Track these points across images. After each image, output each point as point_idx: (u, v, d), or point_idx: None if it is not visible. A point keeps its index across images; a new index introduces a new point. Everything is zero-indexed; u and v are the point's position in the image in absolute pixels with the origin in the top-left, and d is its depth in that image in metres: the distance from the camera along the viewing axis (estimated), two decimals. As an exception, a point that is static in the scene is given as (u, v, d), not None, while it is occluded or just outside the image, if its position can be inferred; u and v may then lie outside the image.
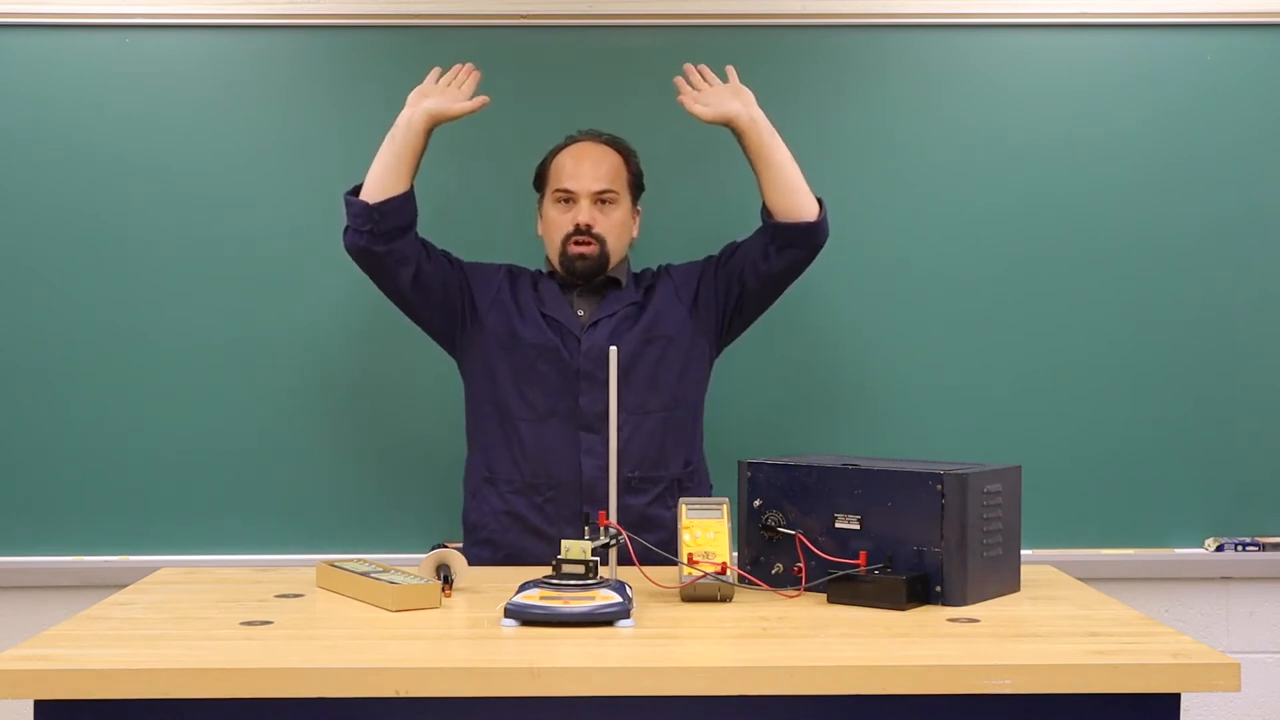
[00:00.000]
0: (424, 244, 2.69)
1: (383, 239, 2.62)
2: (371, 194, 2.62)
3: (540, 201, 2.78)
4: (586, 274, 2.70)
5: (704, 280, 2.75)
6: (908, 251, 3.07)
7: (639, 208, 2.80)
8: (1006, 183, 3.07)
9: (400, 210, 2.63)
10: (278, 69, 3.04)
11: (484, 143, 3.01)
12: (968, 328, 3.07)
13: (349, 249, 2.67)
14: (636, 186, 2.79)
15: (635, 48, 3.06)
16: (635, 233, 2.79)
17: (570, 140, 2.78)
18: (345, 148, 3.02)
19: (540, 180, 2.79)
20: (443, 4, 3.03)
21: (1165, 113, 3.08)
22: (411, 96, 2.68)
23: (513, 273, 2.78)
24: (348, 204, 2.65)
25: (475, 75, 2.72)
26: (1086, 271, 3.07)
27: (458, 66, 2.72)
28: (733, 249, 2.76)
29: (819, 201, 2.69)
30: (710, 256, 2.79)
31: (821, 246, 2.71)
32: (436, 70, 2.72)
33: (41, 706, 1.76)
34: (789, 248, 2.68)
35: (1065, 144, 3.07)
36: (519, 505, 2.66)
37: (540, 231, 2.78)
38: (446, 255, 2.74)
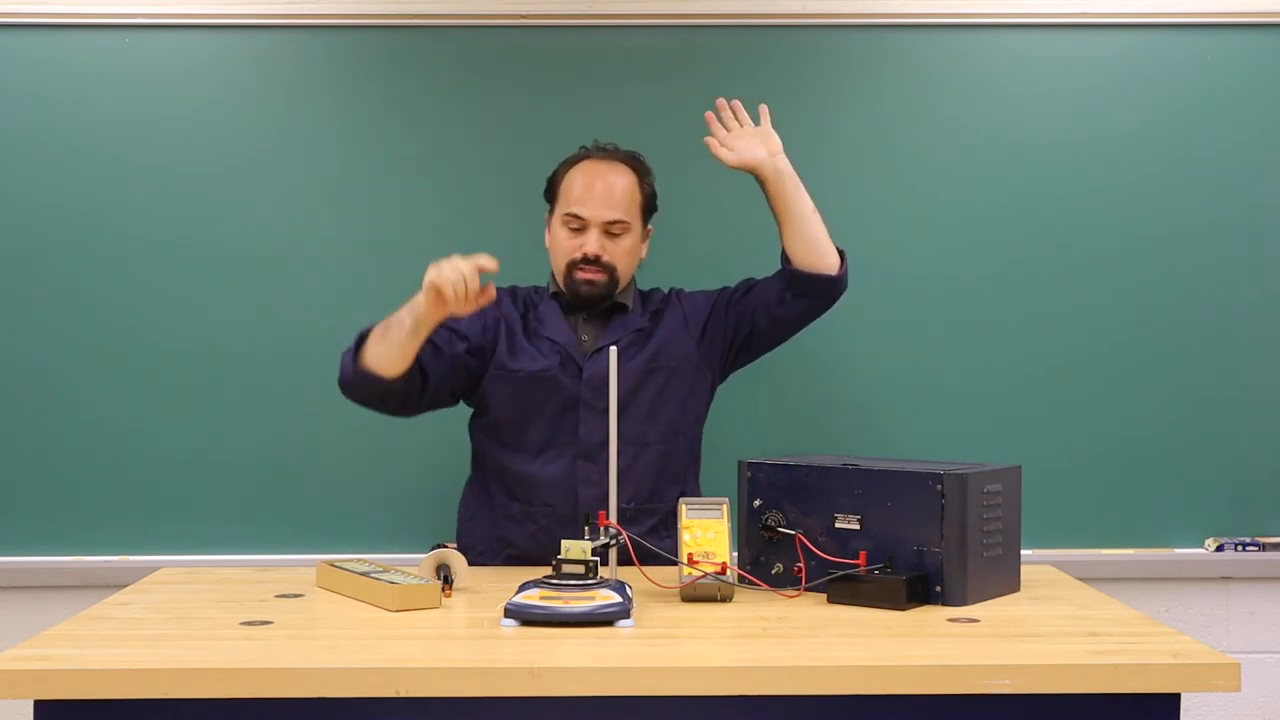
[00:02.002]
0: (423, 366, 2.55)
1: (381, 403, 2.57)
2: (374, 365, 2.50)
3: (550, 214, 2.73)
4: (592, 299, 2.65)
5: (715, 312, 2.71)
6: (907, 251, 3.07)
7: (650, 227, 2.75)
8: (1006, 183, 3.07)
9: (403, 388, 2.53)
10: (278, 69, 3.04)
11: (484, 143, 3.01)
12: (968, 328, 3.07)
13: (344, 390, 2.57)
14: (649, 208, 2.72)
15: (635, 48, 3.06)
16: (644, 254, 2.75)
17: (585, 153, 2.71)
18: (345, 148, 3.02)
19: (551, 192, 2.72)
20: (443, 4, 3.03)
21: (1165, 113, 3.08)
22: (429, 297, 2.39)
23: (515, 295, 2.73)
24: (348, 362, 2.53)
25: (490, 296, 2.43)
26: (1086, 271, 3.07)
27: (477, 291, 2.40)
28: (749, 286, 2.72)
29: (841, 254, 2.65)
30: (725, 288, 2.75)
31: (838, 298, 2.67)
32: (460, 281, 2.38)
33: (41, 706, 1.76)
34: (805, 296, 2.64)
35: (1065, 144, 3.07)
36: (513, 532, 2.63)
37: (548, 244, 2.73)
38: (450, 333, 2.59)
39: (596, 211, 2.63)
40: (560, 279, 2.68)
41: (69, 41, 3.01)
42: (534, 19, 3.05)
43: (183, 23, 3.02)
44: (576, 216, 2.64)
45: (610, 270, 2.64)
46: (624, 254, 2.66)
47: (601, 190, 2.64)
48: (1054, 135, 3.07)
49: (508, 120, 2.94)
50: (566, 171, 2.69)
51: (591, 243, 2.62)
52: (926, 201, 3.07)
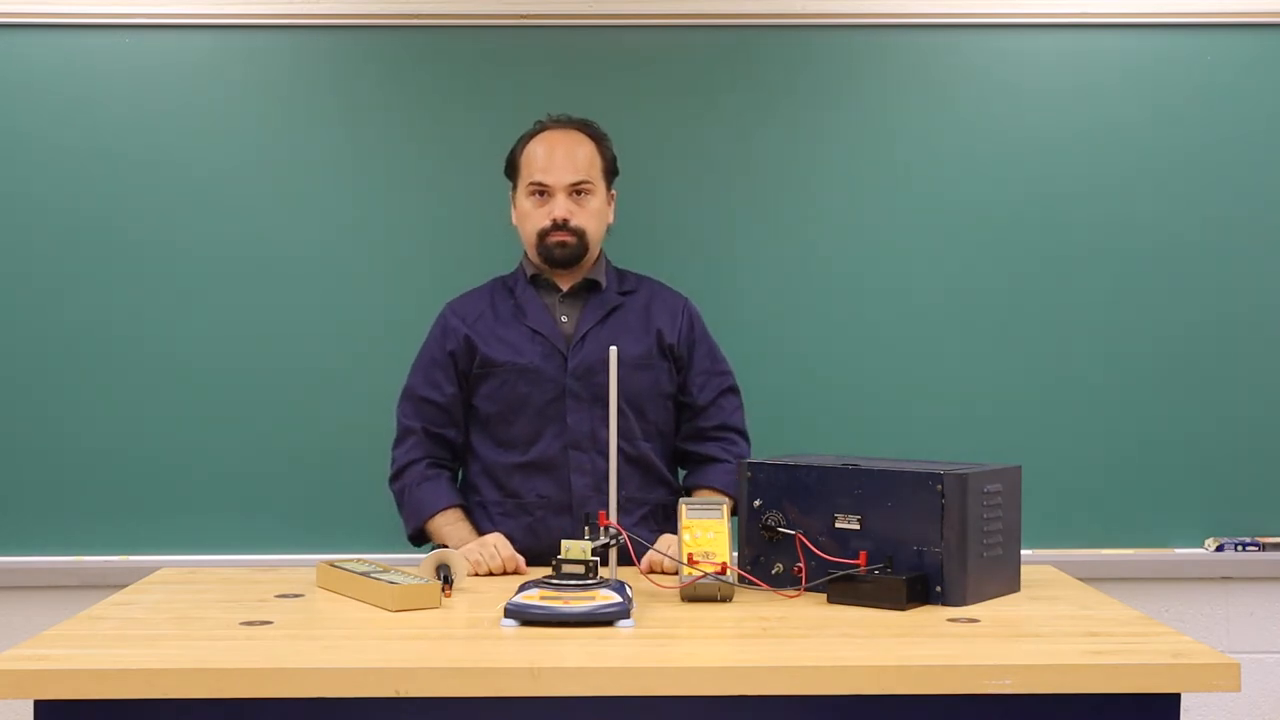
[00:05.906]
0: (448, 441, 2.69)
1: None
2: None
3: (513, 191, 2.73)
4: (566, 261, 2.65)
5: (678, 350, 2.70)
6: (908, 251, 3.07)
7: (614, 191, 2.75)
8: (1006, 183, 3.07)
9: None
10: (278, 69, 3.04)
11: (484, 143, 3.00)
12: (968, 327, 3.07)
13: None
14: (611, 172, 2.73)
15: (635, 48, 3.06)
16: (611, 218, 2.74)
17: (540, 126, 2.72)
18: (346, 148, 3.02)
19: (511, 169, 2.73)
20: (443, 4, 3.03)
21: (1165, 113, 3.07)
22: (472, 552, 2.44)
23: (494, 293, 2.74)
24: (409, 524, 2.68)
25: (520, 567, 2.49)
26: (1086, 271, 3.07)
27: (501, 572, 2.45)
28: (683, 383, 2.71)
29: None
30: (694, 344, 2.72)
31: None
32: (495, 565, 2.44)
33: (41, 706, 1.76)
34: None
35: (1064, 145, 3.07)
36: (509, 528, 2.60)
37: (515, 221, 2.73)
38: (457, 385, 2.67)
39: (560, 177, 2.64)
40: (533, 251, 2.69)
41: (69, 41, 3.01)
42: (534, 19, 3.05)
43: (183, 23, 3.02)
44: (541, 184, 2.65)
45: (580, 234, 2.64)
46: (591, 216, 2.66)
47: (563, 156, 2.66)
48: (1053, 136, 3.07)
49: (507, 120, 2.93)
50: (525, 145, 2.71)
51: (559, 207, 2.63)
52: (925, 202, 3.07)
